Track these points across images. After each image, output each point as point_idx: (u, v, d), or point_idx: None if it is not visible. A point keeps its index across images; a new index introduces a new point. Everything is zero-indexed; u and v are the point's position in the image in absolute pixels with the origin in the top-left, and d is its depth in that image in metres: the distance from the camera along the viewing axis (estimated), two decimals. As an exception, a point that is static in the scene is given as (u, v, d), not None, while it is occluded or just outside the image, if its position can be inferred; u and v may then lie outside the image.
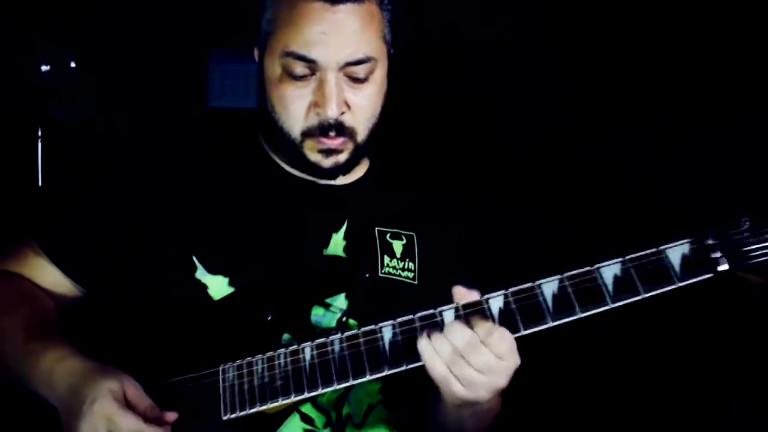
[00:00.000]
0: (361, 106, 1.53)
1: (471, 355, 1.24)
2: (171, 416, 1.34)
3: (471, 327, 1.24)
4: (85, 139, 2.87)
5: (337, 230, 1.61)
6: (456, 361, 1.25)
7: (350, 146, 1.55)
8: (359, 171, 1.70)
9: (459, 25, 3.02)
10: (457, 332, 1.24)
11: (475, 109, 3.05)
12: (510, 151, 3.02)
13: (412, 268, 1.63)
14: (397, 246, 1.63)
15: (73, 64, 2.98)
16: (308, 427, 1.50)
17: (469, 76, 3.04)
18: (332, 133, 1.52)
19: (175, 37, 3.09)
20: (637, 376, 2.76)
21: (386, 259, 1.61)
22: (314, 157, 1.56)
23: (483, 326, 1.24)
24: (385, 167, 1.77)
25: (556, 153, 2.98)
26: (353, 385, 1.53)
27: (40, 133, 2.81)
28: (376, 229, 1.64)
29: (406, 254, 1.63)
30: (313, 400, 1.51)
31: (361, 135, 1.56)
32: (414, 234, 1.66)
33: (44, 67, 2.93)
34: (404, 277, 1.62)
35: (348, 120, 1.53)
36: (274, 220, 1.59)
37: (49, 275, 1.60)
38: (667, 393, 2.72)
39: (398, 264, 1.62)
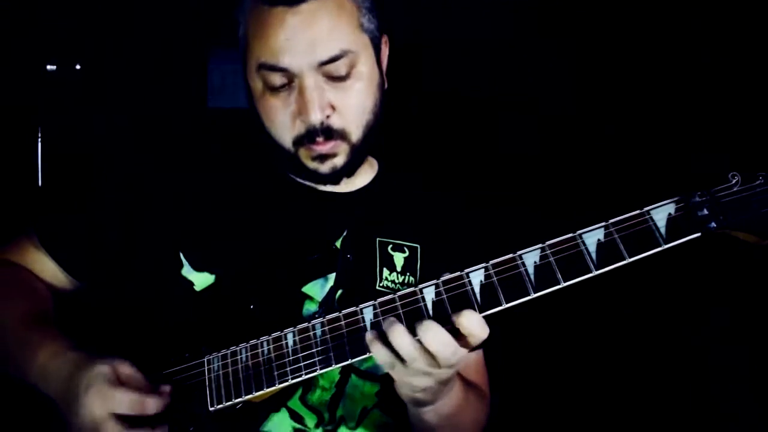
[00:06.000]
0: (348, 105, 1.46)
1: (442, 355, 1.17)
2: (165, 387, 1.33)
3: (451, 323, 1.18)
4: (86, 139, 2.89)
5: (335, 239, 1.55)
6: (418, 360, 1.18)
7: (345, 148, 1.49)
8: (365, 178, 1.65)
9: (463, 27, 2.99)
10: (433, 335, 1.17)
11: (492, 119, 3.00)
12: (523, 163, 2.94)
13: (413, 283, 1.53)
14: (398, 258, 1.56)
15: (78, 66, 3.00)
16: (298, 426, 1.47)
17: (486, 83, 2.99)
18: (320, 138, 1.45)
19: (175, 37, 3.09)
20: (632, 364, 2.70)
21: (385, 272, 1.55)
22: (311, 164, 1.50)
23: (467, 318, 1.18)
24: (393, 176, 1.69)
25: (567, 161, 2.91)
26: (348, 386, 1.51)
27: (40, 134, 2.83)
28: (377, 239, 1.57)
29: (408, 268, 1.56)
30: (303, 399, 1.48)
31: (355, 134, 1.49)
32: (418, 246, 1.58)
33: (49, 67, 2.95)
34: None
35: (336, 122, 1.46)
36: (269, 223, 1.55)
37: (46, 267, 1.61)
38: (663, 379, 2.65)
39: (398, 278, 1.55)
